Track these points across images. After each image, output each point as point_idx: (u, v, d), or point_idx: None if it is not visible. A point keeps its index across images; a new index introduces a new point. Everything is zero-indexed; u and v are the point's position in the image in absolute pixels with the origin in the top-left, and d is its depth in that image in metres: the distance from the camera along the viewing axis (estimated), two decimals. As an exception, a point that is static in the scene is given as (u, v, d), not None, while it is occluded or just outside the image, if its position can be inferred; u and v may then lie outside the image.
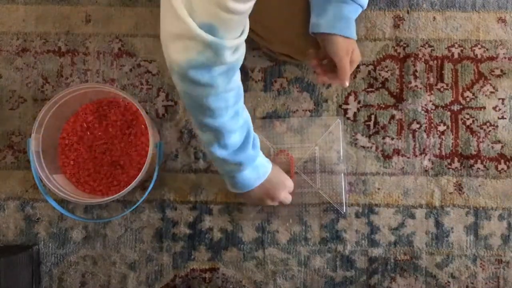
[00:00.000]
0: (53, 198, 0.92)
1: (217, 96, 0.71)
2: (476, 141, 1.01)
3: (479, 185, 1.00)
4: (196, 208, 1.01)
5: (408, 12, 1.04)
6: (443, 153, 1.01)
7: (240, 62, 0.72)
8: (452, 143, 1.01)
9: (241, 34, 0.68)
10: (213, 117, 0.74)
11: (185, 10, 0.60)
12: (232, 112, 0.76)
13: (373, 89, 1.03)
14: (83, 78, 1.04)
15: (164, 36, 0.67)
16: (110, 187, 1.00)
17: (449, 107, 1.02)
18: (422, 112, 1.02)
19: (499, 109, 1.01)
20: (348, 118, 1.02)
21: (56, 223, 1.02)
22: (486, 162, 1.01)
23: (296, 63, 1.02)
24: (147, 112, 1.01)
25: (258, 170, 0.87)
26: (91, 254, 1.01)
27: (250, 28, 0.71)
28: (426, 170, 1.01)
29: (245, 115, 0.81)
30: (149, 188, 0.95)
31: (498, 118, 1.01)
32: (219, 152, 0.80)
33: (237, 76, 0.74)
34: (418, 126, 1.02)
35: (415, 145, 1.01)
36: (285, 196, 0.94)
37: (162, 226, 1.01)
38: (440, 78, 1.02)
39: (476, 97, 1.02)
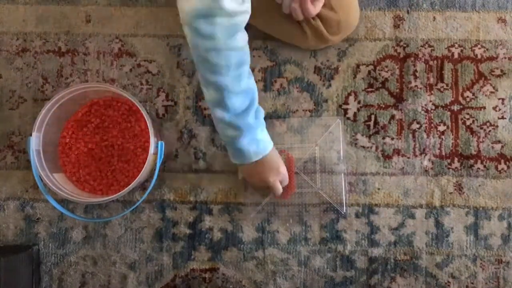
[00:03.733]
0: (53, 198, 0.92)
1: (219, 52, 0.76)
2: (476, 141, 1.01)
3: (479, 185, 1.00)
4: (196, 208, 1.01)
5: (408, 12, 1.04)
6: (443, 153, 1.01)
7: (244, 22, 0.76)
8: (452, 143, 1.01)
9: None
10: (215, 74, 0.78)
11: None
12: (235, 74, 0.79)
13: (373, 89, 1.03)
14: (83, 78, 1.04)
15: None
16: (110, 186, 1.00)
17: (449, 107, 1.02)
18: (422, 112, 1.02)
19: (499, 109, 1.01)
20: (348, 118, 1.02)
21: (56, 223, 1.02)
22: (486, 162, 1.01)
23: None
24: (147, 112, 1.01)
25: (258, 144, 0.87)
26: (91, 254, 1.01)
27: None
28: (426, 170, 1.01)
29: (251, 83, 0.84)
30: (149, 188, 0.95)
31: (498, 118, 1.01)
32: (220, 113, 0.83)
33: (241, 37, 0.78)
34: (418, 126, 1.02)
35: (415, 145, 1.01)
36: (275, 183, 0.92)
37: (162, 226, 1.01)
38: (440, 78, 1.02)
39: (476, 97, 1.02)
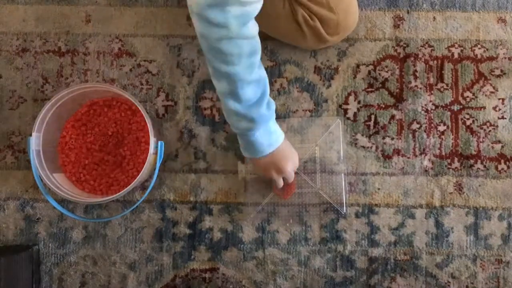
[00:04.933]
0: (53, 198, 0.92)
1: (231, 40, 0.75)
2: (476, 141, 1.01)
3: (479, 185, 1.00)
4: (196, 208, 1.01)
5: (408, 12, 1.04)
6: (443, 153, 1.01)
7: (256, 10, 0.76)
8: (452, 143, 1.01)
9: None
10: (227, 63, 0.77)
11: None
12: (247, 63, 0.78)
13: (373, 89, 1.03)
14: (83, 78, 1.04)
15: None
16: (110, 186, 1.00)
17: (449, 107, 1.02)
18: (422, 112, 1.02)
19: (499, 109, 1.01)
20: (348, 118, 1.02)
21: (56, 223, 1.02)
22: (486, 162, 1.01)
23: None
24: (147, 112, 1.01)
25: (270, 136, 0.87)
26: (91, 254, 1.01)
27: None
28: (426, 170, 1.01)
29: (262, 73, 0.83)
30: (149, 188, 0.95)
31: (498, 118, 1.01)
32: (233, 105, 0.81)
33: (253, 26, 0.78)
34: (418, 126, 1.02)
35: (415, 145, 1.01)
36: (291, 171, 0.93)
37: (162, 226, 1.01)
38: (440, 78, 1.02)
39: (476, 97, 1.02)
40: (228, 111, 0.84)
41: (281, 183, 0.93)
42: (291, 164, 0.91)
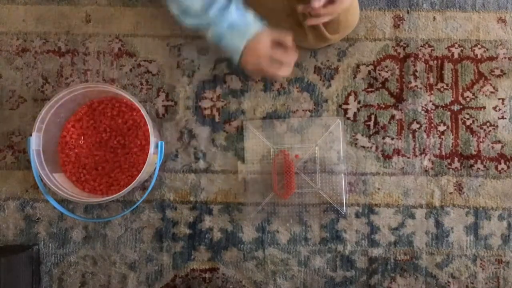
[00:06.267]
0: (53, 198, 0.92)
1: None
2: (476, 141, 1.01)
3: (479, 185, 1.00)
4: (196, 208, 1.02)
5: (408, 12, 1.04)
6: (443, 153, 1.01)
7: None
8: (452, 143, 1.01)
9: None
10: None
11: None
12: None
13: (373, 89, 1.03)
14: (83, 78, 1.04)
15: None
16: (110, 186, 1.00)
17: (449, 107, 1.02)
18: (422, 112, 1.02)
19: (499, 109, 1.02)
20: (348, 118, 1.02)
21: (56, 223, 1.02)
22: (486, 162, 1.01)
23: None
24: (147, 112, 1.01)
25: (239, 29, 0.87)
26: (91, 254, 1.01)
27: None
28: (426, 170, 1.01)
29: None
30: (149, 188, 0.95)
31: (498, 118, 1.01)
32: (188, 20, 0.88)
33: None
34: (418, 126, 1.02)
35: (415, 145, 1.01)
36: (275, 55, 0.90)
37: (162, 226, 1.01)
38: (440, 78, 1.02)
39: (476, 97, 1.02)
40: (190, 27, 0.88)
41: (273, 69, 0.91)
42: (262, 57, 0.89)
